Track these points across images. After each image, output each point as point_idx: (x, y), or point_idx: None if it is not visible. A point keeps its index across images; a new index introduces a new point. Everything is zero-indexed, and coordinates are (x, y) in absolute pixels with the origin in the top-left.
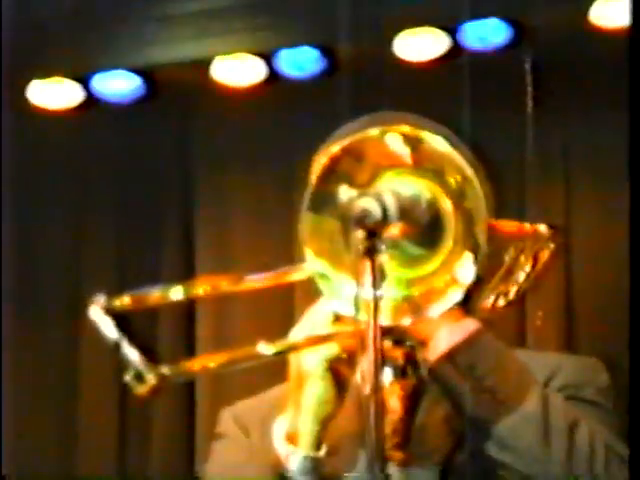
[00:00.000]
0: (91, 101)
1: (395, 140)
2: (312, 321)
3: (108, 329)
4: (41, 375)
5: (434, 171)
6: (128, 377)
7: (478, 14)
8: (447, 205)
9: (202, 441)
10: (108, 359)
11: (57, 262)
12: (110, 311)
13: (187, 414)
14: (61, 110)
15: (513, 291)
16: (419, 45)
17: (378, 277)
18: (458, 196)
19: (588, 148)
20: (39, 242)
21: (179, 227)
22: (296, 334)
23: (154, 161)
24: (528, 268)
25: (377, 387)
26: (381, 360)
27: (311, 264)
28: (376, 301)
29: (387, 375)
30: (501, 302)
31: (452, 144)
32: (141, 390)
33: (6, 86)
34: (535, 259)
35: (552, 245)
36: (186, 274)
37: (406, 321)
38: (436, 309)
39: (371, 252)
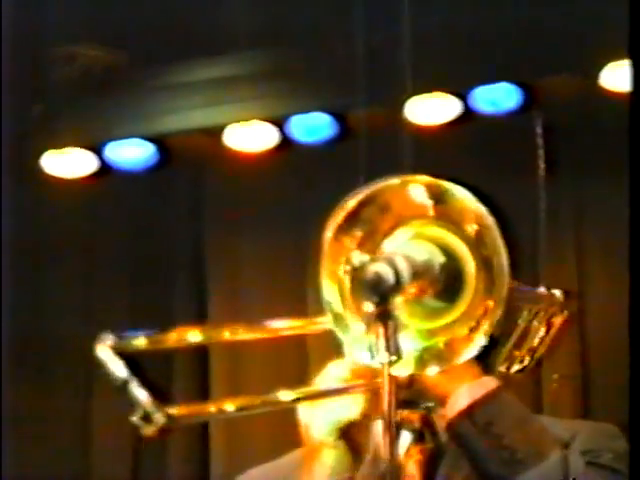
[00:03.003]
0: (105, 169)
1: (418, 191)
2: (330, 375)
3: (117, 369)
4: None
5: (455, 222)
6: (135, 418)
7: (489, 78)
8: (466, 254)
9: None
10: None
11: (71, 328)
12: (119, 351)
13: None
14: (75, 179)
15: (528, 357)
16: (431, 110)
17: (392, 341)
18: (476, 242)
19: (600, 210)
20: (53, 306)
21: (192, 293)
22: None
23: (167, 228)
24: (542, 333)
25: (392, 452)
26: (397, 424)
27: (330, 314)
28: (390, 365)
29: (405, 439)
30: (516, 367)
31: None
32: (148, 431)
33: (20, 156)
34: (549, 324)
35: (566, 312)
36: None
37: (432, 370)
38: (462, 356)
39: (384, 317)
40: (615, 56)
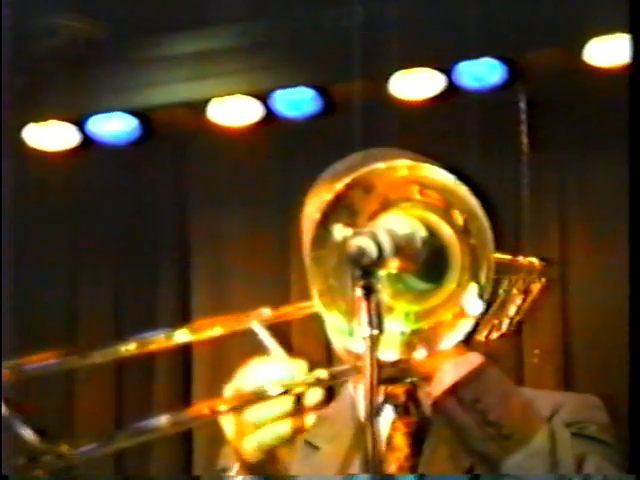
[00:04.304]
0: (87, 143)
1: (404, 174)
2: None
3: None
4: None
5: (440, 205)
6: (20, 461)
7: (473, 54)
8: (452, 238)
9: (200, 443)
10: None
11: (53, 304)
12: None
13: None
14: (58, 152)
15: (505, 324)
16: (415, 85)
17: (374, 315)
18: (463, 230)
19: (582, 185)
20: (36, 282)
21: (175, 268)
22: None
23: (150, 202)
24: (519, 301)
25: (375, 431)
26: (383, 396)
27: (316, 302)
28: (373, 340)
29: (389, 413)
30: (494, 335)
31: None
32: (37, 473)
33: (2, 129)
34: (526, 292)
35: (544, 279)
36: (182, 316)
37: (420, 354)
38: (447, 341)
39: (367, 291)
40: (599, 31)
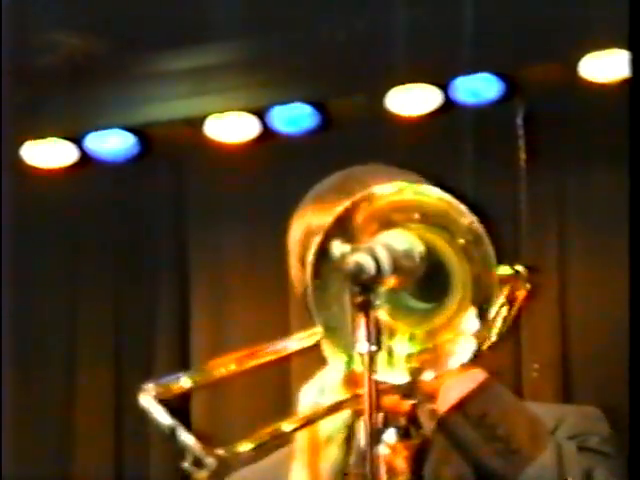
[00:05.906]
0: (85, 160)
1: (404, 196)
2: (322, 384)
3: (161, 416)
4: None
5: (441, 226)
6: (186, 463)
7: (470, 69)
8: (453, 259)
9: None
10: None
11: (53, 320)
12: (161, 398)
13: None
14: (55, 169)
15: (494, 333)
16: (412, 100)
17: (373, 331)
18: (464, 251)
19: (580, 199)
20: (35, 298)
21: (174, 283)
22: (305, 396)
23: (149, 219)
24: (505, 311)
25: (373, 448)
26: (384, 419)
27: (318, 328)
28: (371, 355)
29: (390, 436)
30: (483, 346)
31: (455, 197)
32: (202, 476)
33: (1, 146)
34: (512, 300)
35: (528, 285)
36: (181, 332)
37: (428, 376)
38: (454, 361)
39: (365, 307)
40: (595, 46)
